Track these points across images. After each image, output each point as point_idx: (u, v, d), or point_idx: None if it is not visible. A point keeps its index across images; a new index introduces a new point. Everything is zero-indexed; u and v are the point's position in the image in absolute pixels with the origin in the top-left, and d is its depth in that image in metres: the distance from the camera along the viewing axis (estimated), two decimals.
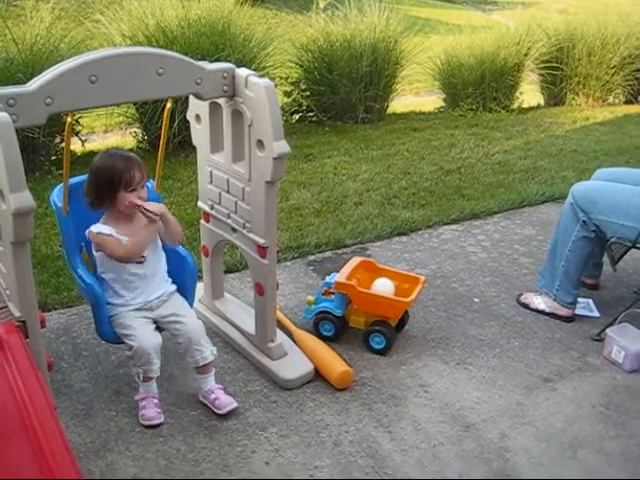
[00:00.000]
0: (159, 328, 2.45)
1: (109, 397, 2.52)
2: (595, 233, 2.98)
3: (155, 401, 2.43)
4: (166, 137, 2.51)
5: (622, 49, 7.67)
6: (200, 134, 2.70)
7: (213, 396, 2.46)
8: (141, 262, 2.42)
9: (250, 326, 2.77)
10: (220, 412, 2.43)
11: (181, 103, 4.68)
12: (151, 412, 2.39)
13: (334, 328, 2.87)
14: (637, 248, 2.88)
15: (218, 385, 2.50)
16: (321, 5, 7.02)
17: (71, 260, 2.45)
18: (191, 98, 2.61)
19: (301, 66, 6.72)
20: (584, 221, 2.97)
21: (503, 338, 3.00)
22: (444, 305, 3.25)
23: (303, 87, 6.63)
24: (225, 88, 2.37)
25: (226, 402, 2.45)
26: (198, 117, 2.67)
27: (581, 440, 2.39)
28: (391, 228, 4.02)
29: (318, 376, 2.65)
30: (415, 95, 9.81)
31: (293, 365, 2.67)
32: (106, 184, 2.31)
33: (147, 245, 2.38)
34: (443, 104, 7.94)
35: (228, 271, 3.40)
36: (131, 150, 5.54)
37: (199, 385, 2.50)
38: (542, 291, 3.19)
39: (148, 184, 2.47)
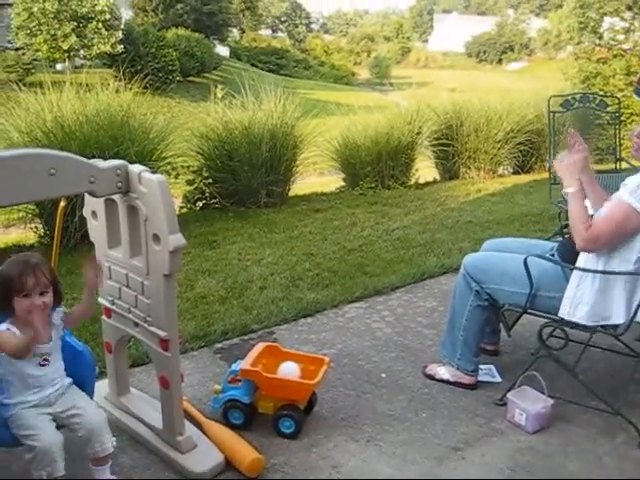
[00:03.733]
0: (58, 426, 2.38)
1: None
2: (488, 301, 3.11)
3: None
4: (60, 235, 2.51)
5: (505, 124, 8.21)
6: (97, 230, 2.70)
7: None
8: (44, 365, 2.39)
9: (158, 420, 2.72)
10: None
11: (81, 198, 4.65)
12: None
13: (243, 416, 2.85)
14: (528, 313, 3.03)
15: (113, 477, 2.45)
16: (218, 95, 7.22)
17: None
18: (86, 195, 2.62)
19: (202, 154, 6.84)
20: (477, 291, 3.11)
21: (411, 411, 3.05)
22: (352, 383, 3.28)
23: (205, 175, 6.74)
24: (119, 185, 2.41)
25: None
26: (94, 213, 2.68)
27: None
28: (296, 310, 4.06)
29: (229, 466, 2.61)
30: (319, 175, 10.09)
31: (203, 457, 2.62)
32: (2, 288, 2.31)
33: (29, 347, 2.31)
34: (344, 184, 8.19)
35: (134, 364, 3.34)
36: (32, 246, 5.45)
37: (94, 476, 2.43)
38: (445, 361, 3.28)
39: None
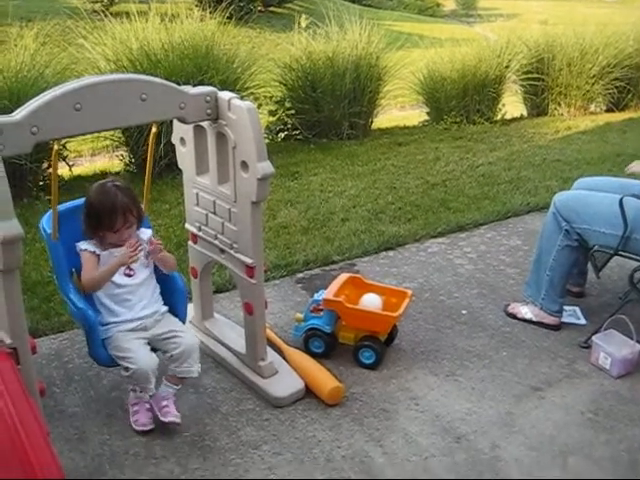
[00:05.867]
0: (153, 349, 2.47)
1: (102, 421, 2.53)
2: (578, 242, 3.02)
3: (148, 406, 2.48)
4: (152, 161, 2.54)
5: (601, 59, 7.77)
6: (185, 157, 2.73)
7: (164, 403, 2.48)
8: (130, 275, 2.48)
9: (240, 345, 2.79)
10: (163, 419, 2.45)
11: (167, 126, 4.71)
12: (144, 418, 2.46)
13: (324, 345, 2.89)
14: (619, 255, 2.92)
15: (174, 398, 2.52)
16: (302, 24, 7.09)
17: (62, 285, 2.46)
18: (175, 122, 2.64)
19: (285, 85, 6.77)
20: (567, 230, 3.02)
21: (492, 349, 3.03)
22: (433, 318, 3.28)
23: (288, 106, 6.68)
24: (208, 111, 2.41)
25: (173, 414, 2.46)
26: (183, 140, 2.70)
27: (571, 447, 2.42)
28: (378, 243, 4.05)
29: (309, 393, 2.67)
30: (400, 109, 9.88)
31: (284, 383, 2.69)
32: (93, 220, 2.42)
33: (101, 284, 2.42)
34: (427, 118, 8.00)
35: (218, 291, 3.42)
36: (117, 173, 5.57)
37: (160, 388, 2.49)
38: (529, 300, 3.23)
39: None
